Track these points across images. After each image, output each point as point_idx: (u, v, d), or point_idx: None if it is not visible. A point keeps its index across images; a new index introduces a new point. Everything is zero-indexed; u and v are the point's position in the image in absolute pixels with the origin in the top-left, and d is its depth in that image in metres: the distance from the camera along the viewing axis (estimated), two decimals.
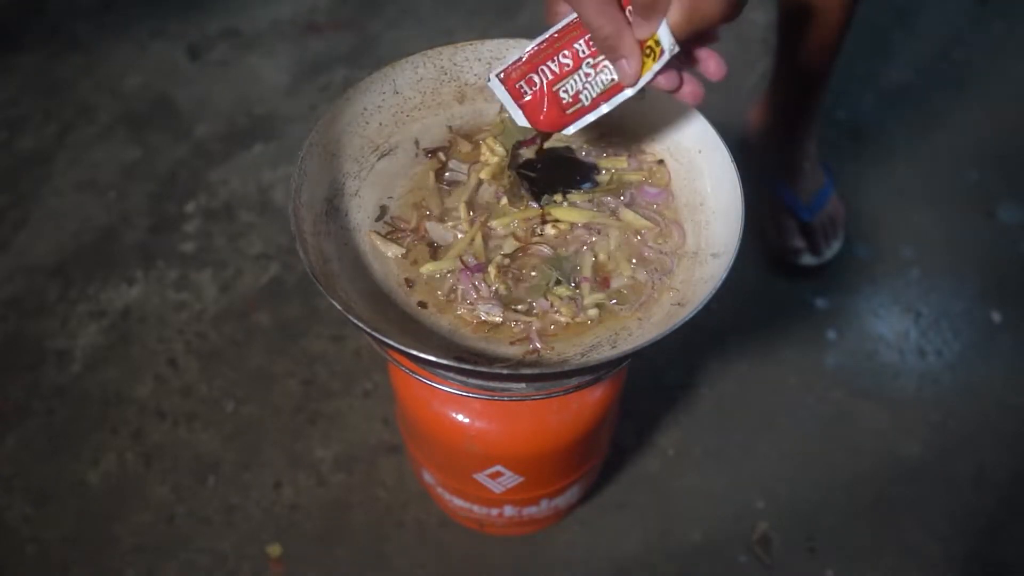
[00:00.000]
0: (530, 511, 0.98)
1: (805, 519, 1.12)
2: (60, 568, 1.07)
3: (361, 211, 0.67)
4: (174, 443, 1.17)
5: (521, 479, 0.88)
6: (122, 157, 1.52)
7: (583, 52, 0.57)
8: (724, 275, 0.58)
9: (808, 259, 1.33)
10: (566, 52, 0.58)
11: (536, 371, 0.58)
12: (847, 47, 1.19)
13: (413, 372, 0.68)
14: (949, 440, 1.19)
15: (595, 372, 0.61)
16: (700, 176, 0.70)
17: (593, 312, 0.63)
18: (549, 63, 0.58)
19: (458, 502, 0.98)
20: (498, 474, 0.87)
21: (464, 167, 0.70)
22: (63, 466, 1.15)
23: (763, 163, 1.38)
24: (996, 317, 1.31)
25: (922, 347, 1.28)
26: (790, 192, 1.34)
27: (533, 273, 0.65)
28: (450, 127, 0.73)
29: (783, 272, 1.36)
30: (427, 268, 0.64)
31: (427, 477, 1.00)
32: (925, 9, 1.78)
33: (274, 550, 1.08)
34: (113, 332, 1.28)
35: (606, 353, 0.60)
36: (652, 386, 1.21)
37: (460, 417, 0.81)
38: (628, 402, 1.15)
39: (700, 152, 0.70)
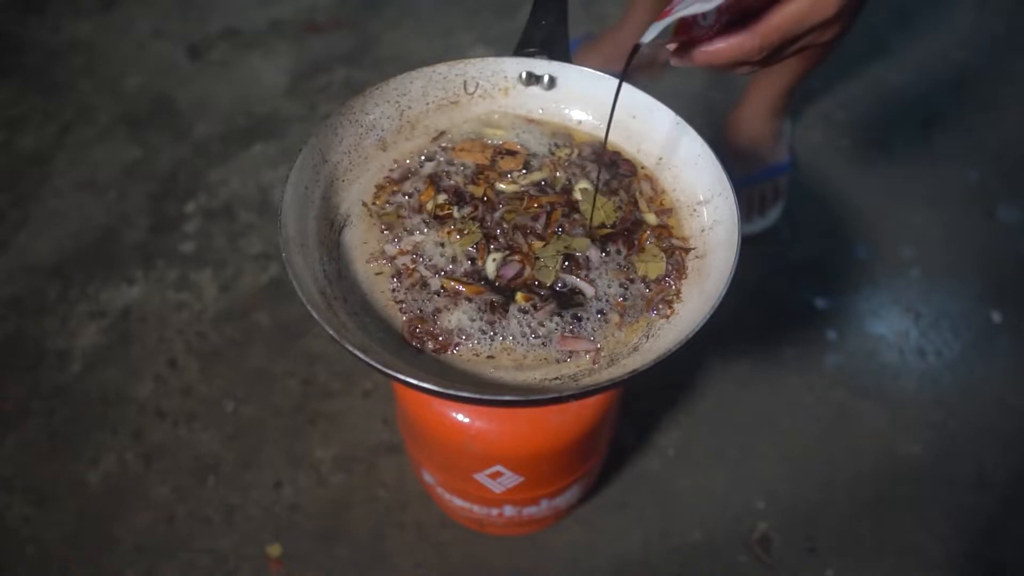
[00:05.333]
0: (530, 511, 0.98)
1: (805, 519, 1.12)
2: (60, 568, 1.07)
3: (356, 293, 0.65)
4: (174, 443, 1.17)
5: (521, 479, 0.88)
6: (122, 157, 1.52)
7: None
8: (735, 212, 0.62)
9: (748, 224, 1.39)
10: None
11: (607, 380, 0.58)
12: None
13: None
14: (949, 440, 1.19)
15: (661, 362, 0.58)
16: (644, 138, 0.73)
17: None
18: None
19: (458, 502, 0.98)
20: (498, 474, 0.87)
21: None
22: (63, 466, 1.15)
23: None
24: (996, 317, 1.31)
25: (922, 347, 1.28)
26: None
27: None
28: (385, 177, 0.72)
29: None
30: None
31: (427, 477, 1.00)
32: (925, 9, 1.78)
33: (274, 550, 1.08)
34: (113, 332, 1.28)
35: (669, 334, 0.61)
36: (652, 386, 1.21)
37: (460, 417, 0.81)
38: (628, 402, 1.15)
39: (635, 117, 0.73)
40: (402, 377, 0.54)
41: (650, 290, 0.65)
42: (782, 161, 1.42)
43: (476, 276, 0.65)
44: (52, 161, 1.51)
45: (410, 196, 0.71)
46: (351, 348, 0.55)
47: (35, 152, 1.53)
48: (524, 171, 0.72)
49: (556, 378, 0.60)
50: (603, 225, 0.68)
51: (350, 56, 1.69)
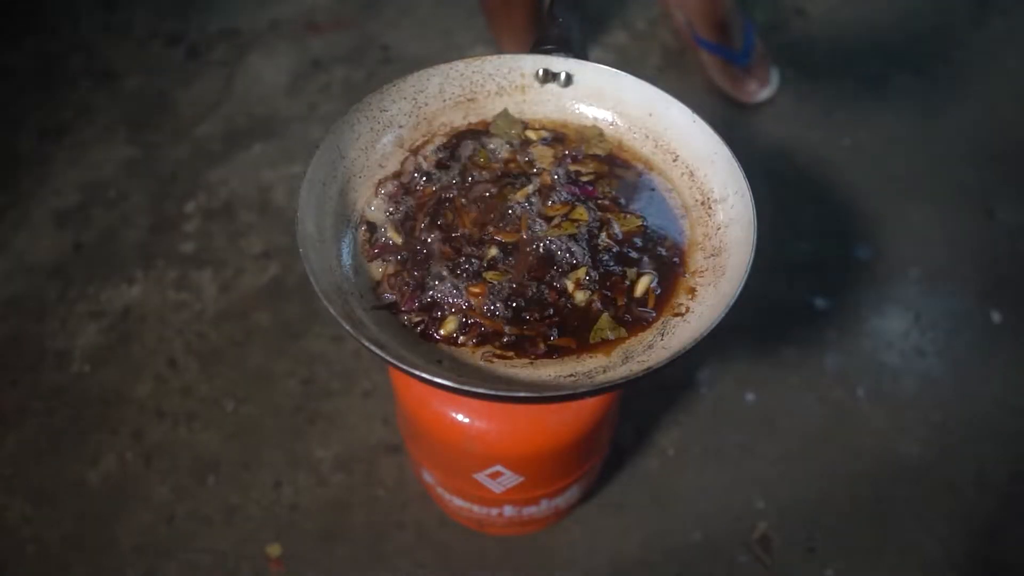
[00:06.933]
0: (530, 511, 0.98)
1: (805, 519, 1.12)
2: (60, 568, 1.07)
3: (371, 289, 0.65)
4: (174, 443, 1.17)
5: (521, 479, 0.88)
6: (122, 157, 1.52)
7: None
8: (751, 210, 0.62)
9: (764, 93, 1.57)
10: None
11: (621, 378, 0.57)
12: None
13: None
14: (949, 440, 1.19)
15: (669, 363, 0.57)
16: (660, 135, 0.73)
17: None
18: None
19: (458, 502, 0.98)
20: (498, 474, 0.87)
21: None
22: (63, 466, 1.15)
23: (695, 34, 1.60)
24: (996, 317, 1.31)
25: (922, 347, 1.28)
26: (725, 48, 1.56)
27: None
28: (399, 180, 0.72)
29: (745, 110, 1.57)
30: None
31: (427, 477, 1.00)
32: (925, 9, 1.78)
33: (274, 550, 1.08)
34: (113, 332, 1.28)
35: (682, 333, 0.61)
36: (652, 386, 1.21)
37: (460, 417, 0.81)
38: (628, 402, 1.15)
39: (651, 115, 0.73)
40: (417, 373, 0.54)
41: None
42: (749, 38, 1.58)
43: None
44: (52, 161, 1.51)
45: (423, 193, 0.71)
46: (367, 343, 0.55)
47: (35, 152, 1.53)
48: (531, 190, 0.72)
49: (571, 375, 0.60)
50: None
51: (350, 56, 1.69)
